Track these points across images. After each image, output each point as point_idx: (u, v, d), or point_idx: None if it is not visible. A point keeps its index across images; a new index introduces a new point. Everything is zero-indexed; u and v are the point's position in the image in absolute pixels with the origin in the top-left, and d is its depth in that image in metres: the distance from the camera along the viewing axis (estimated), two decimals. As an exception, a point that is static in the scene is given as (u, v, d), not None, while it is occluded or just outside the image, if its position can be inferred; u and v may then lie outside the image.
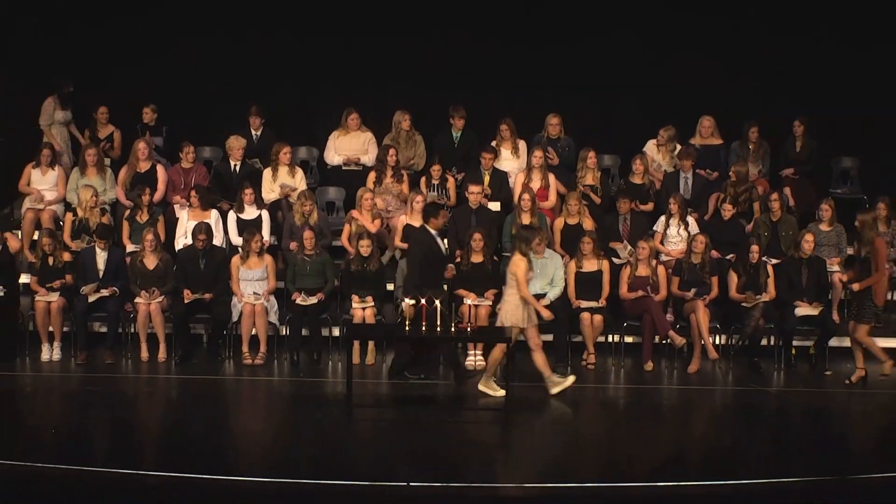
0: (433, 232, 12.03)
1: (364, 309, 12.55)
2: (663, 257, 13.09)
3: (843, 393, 11.92)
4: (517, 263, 11.33)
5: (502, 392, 11.26)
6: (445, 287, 12.37)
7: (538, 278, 12.59)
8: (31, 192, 13.80)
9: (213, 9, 15.17)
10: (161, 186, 13.86)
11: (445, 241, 12.64)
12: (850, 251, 13.38)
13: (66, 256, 12.76)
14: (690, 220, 13.38)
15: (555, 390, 11.44)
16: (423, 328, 11.39)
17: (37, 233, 13.43)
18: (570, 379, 11.49)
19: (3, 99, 14.98)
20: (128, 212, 13.47)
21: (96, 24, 15.08)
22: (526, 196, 13.27)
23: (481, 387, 11.54)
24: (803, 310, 12.37)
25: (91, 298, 12.50)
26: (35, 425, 11.21)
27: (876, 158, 14.84)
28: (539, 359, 11.45)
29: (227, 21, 15.20)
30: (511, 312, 11.35)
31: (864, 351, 12.10)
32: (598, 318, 12.54)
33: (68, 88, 14.36)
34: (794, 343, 12.57)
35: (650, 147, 14.44)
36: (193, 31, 15.14)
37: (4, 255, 12.48)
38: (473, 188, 13.42)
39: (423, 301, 11.47)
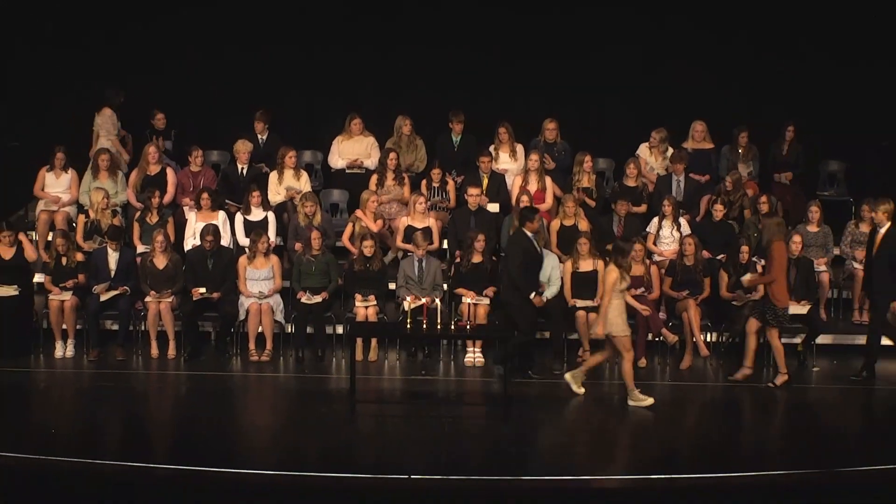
0: (529, 234, 11.94)
1: (366, 307, 12.56)
2: (656, 257, 13.09)
3: (830, 388, 11.93)
4: (609, 273, 11.24)
5: (650, 399, 11.25)
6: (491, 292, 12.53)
7: (535, 278, 12.62)
8: (46, 196, 13.80)
9: (221, 20, 15.18)
10: (171, 189, 13.86)
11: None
12: (836, 252, 13.40)
13: (79, 257, 12.76)
14: (682, 221, 13.39)
15: (632, 403, 11.32)
16: (425, 326, 11.44)
17: (50, 234, 13.42)
18: (650, 400, 11.33)
19: (19, 105, 15.00)
20: (138, 213, 13.47)
21: (111, 34, 15.08)
22: (524, 198, 13.28)
23: (631, 402, 11.33)
24: (792, 308, 12.37)
25: (103, 297, 12.51)
26: (49, 420, 11.23)
27: (862, 162, 14.85)
28: (628, 368, 11.30)
29: (234, 31, 15.22)
30: (613, 321, 11.22)
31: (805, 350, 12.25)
32: (592, 316, 12.51)
33: (120, 99, 14.37)
34: (783, 340, 12.55)
35: (643, 150, 14.45)
36: (202, 41, 15.16)
37: (19, 257, 12.48)
38: (472, 190, 13.43)
39: (422, 300, 11.50)
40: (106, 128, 14.24)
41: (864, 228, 13.19)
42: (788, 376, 11.88)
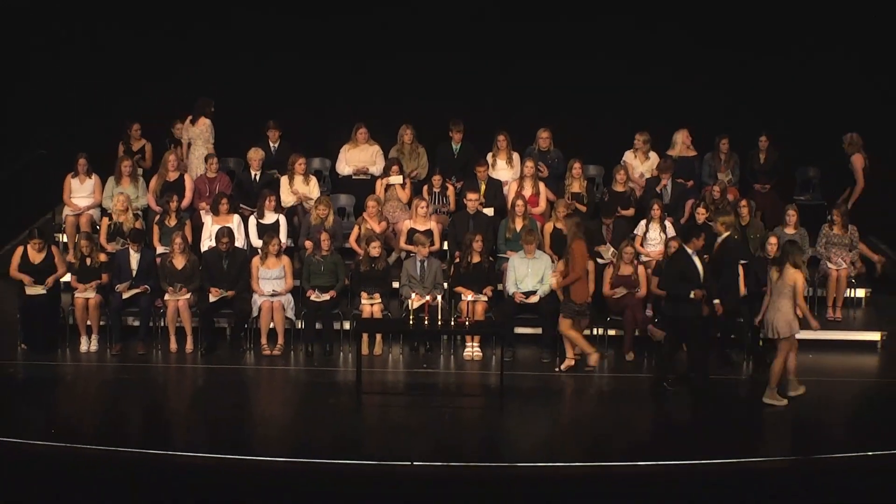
0: (690, 251, 11.56)
1: (372, 305, 12.55)
2: (643, 258, 13.09)
3: (806, 380, 11.91)
4: (795, 276, 11.11)
5: (784, 401, 11.21)
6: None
7: (530, 276, 12.62)
8: (72, 205, 13.83)
9: (235, 34, 15.20)
10: (188, 194, 13.87)
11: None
12: (810, 252, 13.39)
13: (102, 257, 12.76)
14: (668, 224, 13.39)
15: (767, 400, 11.24)
16: (426, 323, 11.45)
17: (76, 235, 13.43)
18: (784, 402, 11.25)
19: (45, 114, 15.02)
20: (158, 217, 13.47)
21: (132, 47, 15.09)
22: (519, 202, 13.30)
23: (766, 399, 11.24)
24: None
25: (125, 295, 12.52)
26: (75, 410, 11.25)
27: (836, 168, 14.86)
28: (778, 366, 11.22)
29: (248, 45, 15.22)
30: (785, 322, 11.13)
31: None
32: (584, 313, 12.55)
33: (211, 109, 14.40)
34: (762, 336, 12.55)
35: (628, 156, 14.45)
36: (218, 54, 15.16)
37: (48, 261, 12.49)
38: (471, 195, 13.44)
39: (424, 298, 11.51)
40: (204, 137, 14.30)
41: (838, 231, 13.21)
42: (574, 362, 11.94)
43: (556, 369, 12.02)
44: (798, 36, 15.01)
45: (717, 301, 11.70)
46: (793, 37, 15.02)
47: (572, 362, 12.01)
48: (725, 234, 11.99)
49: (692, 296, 11.34)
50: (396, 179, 13.82)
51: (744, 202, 13.44)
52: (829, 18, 14.88)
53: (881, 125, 14.74)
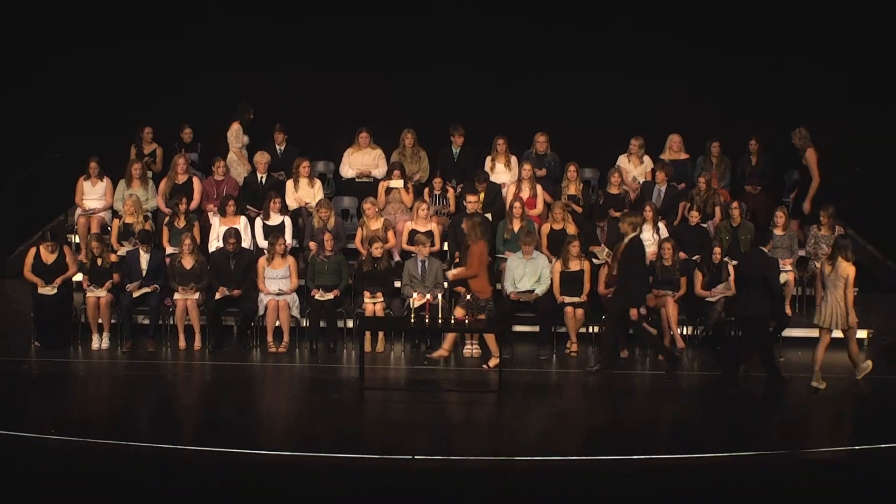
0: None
1: (374, 304, 12.54)
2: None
3: (795, 377, 11.91)
4: (847, 269, 11.33)
5: (824, 384, 11.48)
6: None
7: (527, 276, 12.61)
8: (85, 208, 13.82)
9: (242, 43, 15.19)
10: (196, 196, 13.86)
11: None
12: (801, 253, 13.39)
13: (113, 258, 12.76)
14: (661, 225, 13.37)
15: (814, 383, 11.47)
16: (427, 321, 11.45)
17: (87, 236, 13.42)
18: (824, 385, 11.50)
19: (59, 119, 15.02)
20: (167, 218, 13.47)
21: (145, 55, 15.10)
22: (517, 204, 13.29)
23: (813, 383, 11.49)
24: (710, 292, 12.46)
25: (135, 294, 12.51)
26: (87, 406, 11.24)
27: (823, 170, 14.85)
28: (854, 348, 11.63)
29: (255, 54, 15.22)
30: (837, 314, 11.39)
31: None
32: (580, 311, 12.53)
33: (250, 115, 14.39)
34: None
35: (622, 160, 14.44)
36: (226, 62, 15.15)
37: (60, 262, 12.48)
38: (470, 198, 13.42)
39: (427, 297, 11.52)
40: (231, 142, 14.30)
41: (825, 232, 13.19)
42: (500, 359, 11.87)
43: (484, 366, 12.00)
44: (786, 43, 15.00)
45: (633, 309, 11.80)
46: (781, 44, 15.01)
47: (498, 360, 11.93)
48: (632, 235, 11.92)
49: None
50: (397, 184, 13.79)
51: (735, 204, 13.42)
52: (817, 27, 14.88)
53: (867, 128, 14.80)
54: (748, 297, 11.51)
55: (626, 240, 11.93)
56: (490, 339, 12.02)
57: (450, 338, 12.20)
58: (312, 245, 13.04)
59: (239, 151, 14.32)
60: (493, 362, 11.94)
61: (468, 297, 12.09)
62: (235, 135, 14.34)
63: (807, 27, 14.93)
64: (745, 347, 11.63)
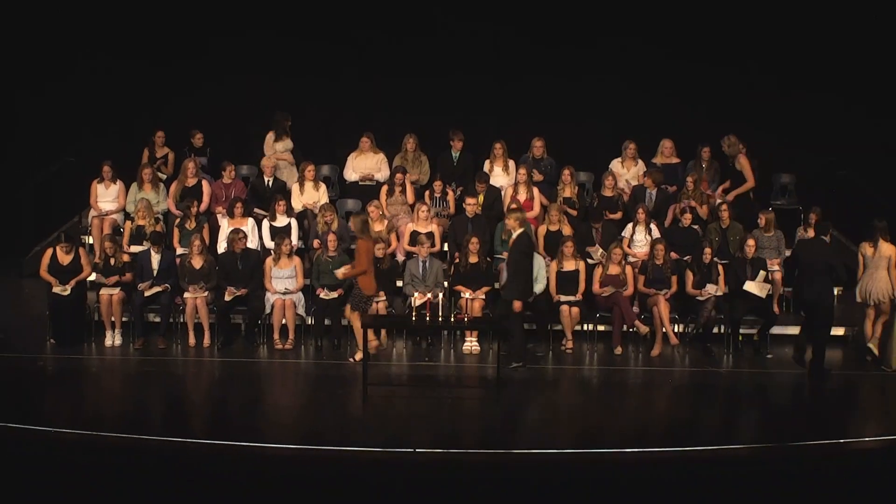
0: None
1: (377, 302, 12.51)
2: (630, 258, 13.05)
3: (782, 373, 11.91)
4: (889, 249, 11.89)
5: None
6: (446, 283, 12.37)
7: (524, 276, 12.58)
8: (99, 210, 13.80)
9: (251, 52, 15.20)
10: (206, 199, 13.84)
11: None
12: (787, 252, 13.36)
13: (125, 258, 12.74)
14: (653, 227, 13.35)
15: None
16: (428, 319, 11.43)
17: (101, 237, 13.40)
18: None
19: (74, 124, 15.02)
20: (178, 220, 13.45)
21: (158, 63, 15.11)
22: (514, 207, 13.25)
23: (870, 344, 12.00)
24: (749, 286, 12.39)
25: (147, 293, 12.48)
26: (100, 401, 11.22)
27: (810, 174, 14.87)
28: (871, 329, 12.02)
29: (263, 61, 15.24)
30: (885, 289, 11.84)
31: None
32: (575, 309, 12.52)
33: (287, 122, 14.35)
34: (741, 331, 12.54)
35: (615, 164, 14.41)
36: (234, 69, 15.17)
37: (76, 262, 12.46)
38: (470, 200, 13.42)
39: (428, 296, 11.49)
40: (267, 148, 14.28)
41: (812, 234, 13.17)
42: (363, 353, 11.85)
43: (350, 359, 11.98)
44: (774, 52, 15.01)
45: (517, 302, 11.78)
46: (769, 53, 15.02)
47: (362, 354, 11.89)
48: (520, 231, 11.88)
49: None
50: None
51: (724, 206, 13.40)
52: (804, 36, 14.89)
53: (853, 134, 14.81)
54: (811, 285, 11.55)
55: (515, 235, 11.91)
56: (358, 332, 11.90)
57: (359, 335, 11.93)
58: (317, 243, 13.02)
59: (281, 155, 14.24)
60: (357, 356, 11.87)
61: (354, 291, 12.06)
62: (268, 143, 14.33)
63: (794, 37, 14.95)
64: (820, 333, 11.65)
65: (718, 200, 13.75)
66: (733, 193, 13.79)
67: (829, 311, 11.68)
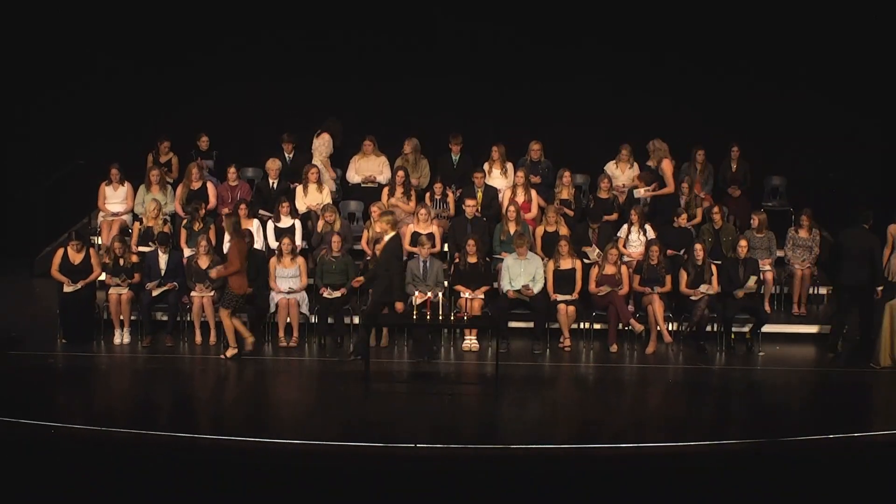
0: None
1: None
2: (626, 258, 13.04)
3: (774, 370, 11.90)
4: None
5: None
6: (446, 283, 12.38)
7: (522, 276, 12.58)
8: (107, 211, 13.79)
9: (256, 58, 15.20)
10: (212, 200, 13.84)
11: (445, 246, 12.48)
12: (779, 253, 13.37)
13: (134, 258, 12.73)
14: (647, 227, 13.35)
15: None
16: (429, 317, 11.42)
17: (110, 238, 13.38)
18: None
19: (83, 127, 15.02)
20: (185, 221, 13.44)
21: (166, 69, 15.11)
22: (511, 208, 13.26)
23: None
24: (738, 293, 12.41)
25: (155, 293, 12.47)
26: (109, 397, 11.21)
27: (800, 176, 14.87)
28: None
29: (267, 66, 15.23)
30: None
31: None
32: (571, 308, 12.51)
33: (338, 126, 14.39)
34: (733, 329, 12.53)
35: (609, 167, 14.40)
36: (240, 76, 15.17)
37: (86, 261, 12.45)
38: (469, 202, 13.41)
39: (428, 295, 11.49)
40: (320, 150, 14.24)
41: (803, 234, 13.18)
42: (238, 350, 11.91)
43: (221, 356, 11.96)
44: (767, 56, 15.01)
45: (399, 303, 11.87)
46: (762, 57, 15.02)
47: (235, 350, 11.95)
48: (392, 233, 12.00)
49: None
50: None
51: (717, 208, 13.40)
52: (797, 39, 14.89)
53: (841, 136, 14.82)
54: (853, 270, 11.84)
55: (386, 238, 11.99)
56: (229, 330, 11.92)
57: (230, 332, 11.96)
58: (325, 249, 12.98)
59: (326, 160, 14.24)
60: (229, 352, 11.90)
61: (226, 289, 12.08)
62: (326, 144, 14.28)
63: (787, 40, 14.95)
64: (842, 309, 12.02)
65: (708, 203, 13.77)
66: (652, 193, 13.78)
67: (869, 290, 11.93)
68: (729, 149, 14.41)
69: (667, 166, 13.81)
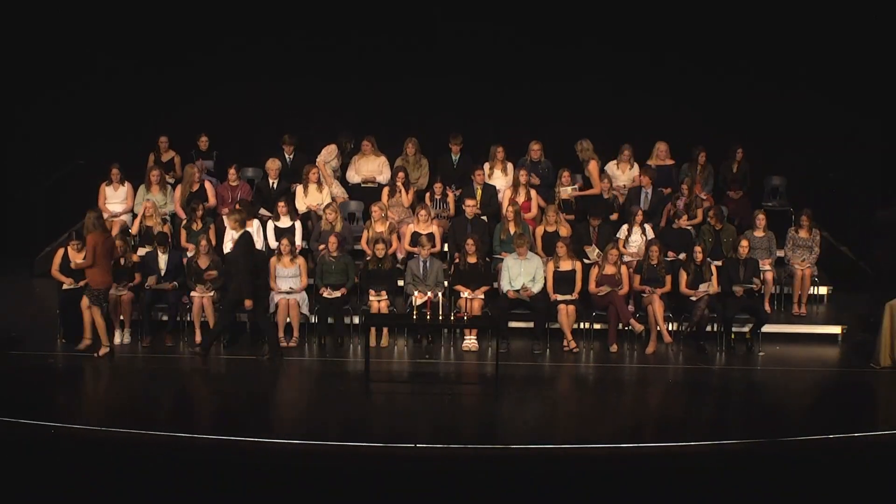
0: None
1: (379, 301, 12.51)
2: (626, 258, 13.05)
3: (774, 370, 11.90)
4: None
5: None
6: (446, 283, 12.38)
7: (522, 276, 12.58)
8: (107, 211, 13.79)
9: (256, 58, 15.20)
10: (211, 200, 13.85)
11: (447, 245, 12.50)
12: (779, 253, 13.38)
13: (135, 258, 12.74)
14: (647, 227, 13.35)
15: None
16: (429, 317, 11.43)
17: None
18: None
19: (83, 127, 15.03)
20: (184, 221, 13.45)
21: (166, 69, 15.11)
22: (511, 208, 13.26)
23: None
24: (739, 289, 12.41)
25: (153, 287, 12.45)
26: (108, 397, 11.21)
27: (800, 177, 14.88)
28: None
29: (267, 67, 15.23)
30: None
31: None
32: (571, 308, 12.50)
33: (349, 144, 14.39)
34: (733, 329, 12.53)
35: (610, 167, 14.41)
36: (240, 76, 15.17)
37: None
38: (469, 202, 13.42)
39: (428, 295, 11.49)
40: (323, 157, 14.26)
41: (803, 234, 13.19)
42: (109, 348, 11.91)
43: (95, 354, 11.91)
44: (766, 57, 15.01)
45: (248, 300, 11.90)
46: (762, 58, 15.02)
47: (89, 342, 11.98)
48: (241, 231, 12.09)
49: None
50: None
51: (712, 212, 13.38)
52: (798, 39, 14.90)
53: (841, 137, 14.81)
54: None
55: (237, 235, 12.05)
56: (100, 326, 11.93)
57: (87, 327, 11.99)
58: (324, 247, 13.00)
59: (325, 169, 14.21)
60: (102, 351, 11.89)
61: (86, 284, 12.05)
62: (329, 153, 14.28)
63: (788, 40, 14.95)
64: None
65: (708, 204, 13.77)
66: (579, 194, 13.84)
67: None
68: (732, 150, 14.39)
69: (593, 167, 13.97)
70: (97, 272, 11.88)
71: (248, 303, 11.98)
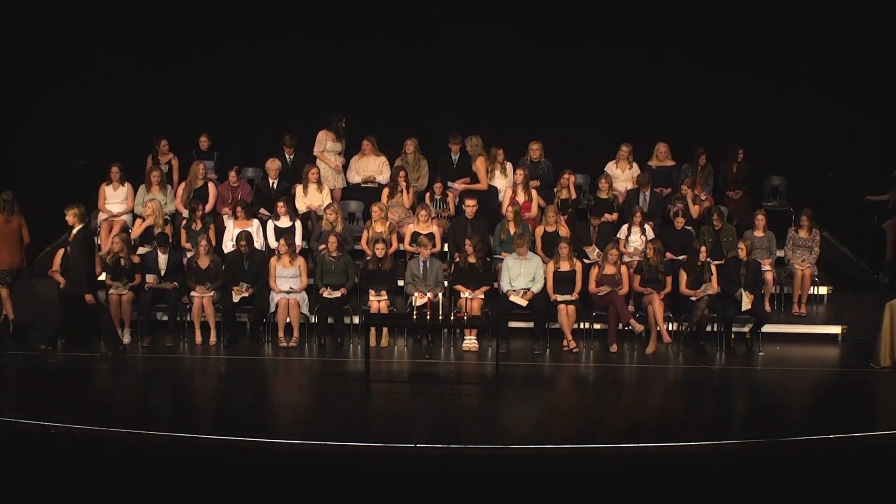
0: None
1: (379, 301, 12.52)
2: (626, 258, 13.05)
3: (774, 370, 11.90)
4: None
5: None
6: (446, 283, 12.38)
7: (522, 276, 12.59)
8: (107, 211, 13.79)
9: (256, 58, 15.21)
10: (211, 200, 13.85)
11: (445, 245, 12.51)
12: (779, 253, 13.39)
13: (135, 258, 12.74)
14: (647, 228, 13.36)
15: None
16: (428, 317, 11.42)
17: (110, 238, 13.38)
18: None
19: (83, 127, 15.03)
20: (185, 221, 13.45)
21: (166, 69, 15.12)
22: (511, 208, 13.26)
23: None
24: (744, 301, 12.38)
25: (153, 285, 12.45)
26: (109, 397, 11.21)
27: (800, 177, 14.89)
28: None
29: (268, 67, 15.24)
30: None
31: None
32: (571, 308, 12.51)
33: (341, 123, 14.35)
34: (733, 329, 12.53)
35: (610, 167, 14.42)
36: (240, 76, 15.18)
37: None
38: (469, 202, 13.42)
39: (428, 295, 11.49)
40: (317, 147, 14.26)
41: (803, 234, 13.19)
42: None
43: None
44: (766, 57, 15.02)
45: (88, 295, 11.84)
46: (762, 58, 15.03)
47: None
48: (80, 226, 12.00)
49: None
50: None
51: (714, 214, 13.39)
52: (798, 39, 14.91)
53: (841, 137, 14.82)
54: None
55: (75, 231, 12.00)
56: (5, 300, 12.05)
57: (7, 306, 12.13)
58: (324, 247, 13.01)
59: (322, 156, 14.21)
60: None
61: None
62: (320, 140, 14.29)
63: (788, 40, 14.96)
64: None
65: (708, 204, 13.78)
66: (466, 187, 13.86)
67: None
68: (733, 150, 14.39)
69: (480, 163, 14.00)
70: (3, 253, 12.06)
71: (88, 297, 11.88)
